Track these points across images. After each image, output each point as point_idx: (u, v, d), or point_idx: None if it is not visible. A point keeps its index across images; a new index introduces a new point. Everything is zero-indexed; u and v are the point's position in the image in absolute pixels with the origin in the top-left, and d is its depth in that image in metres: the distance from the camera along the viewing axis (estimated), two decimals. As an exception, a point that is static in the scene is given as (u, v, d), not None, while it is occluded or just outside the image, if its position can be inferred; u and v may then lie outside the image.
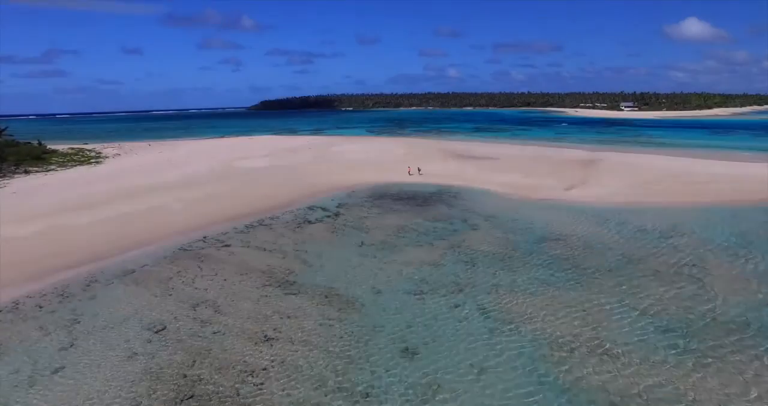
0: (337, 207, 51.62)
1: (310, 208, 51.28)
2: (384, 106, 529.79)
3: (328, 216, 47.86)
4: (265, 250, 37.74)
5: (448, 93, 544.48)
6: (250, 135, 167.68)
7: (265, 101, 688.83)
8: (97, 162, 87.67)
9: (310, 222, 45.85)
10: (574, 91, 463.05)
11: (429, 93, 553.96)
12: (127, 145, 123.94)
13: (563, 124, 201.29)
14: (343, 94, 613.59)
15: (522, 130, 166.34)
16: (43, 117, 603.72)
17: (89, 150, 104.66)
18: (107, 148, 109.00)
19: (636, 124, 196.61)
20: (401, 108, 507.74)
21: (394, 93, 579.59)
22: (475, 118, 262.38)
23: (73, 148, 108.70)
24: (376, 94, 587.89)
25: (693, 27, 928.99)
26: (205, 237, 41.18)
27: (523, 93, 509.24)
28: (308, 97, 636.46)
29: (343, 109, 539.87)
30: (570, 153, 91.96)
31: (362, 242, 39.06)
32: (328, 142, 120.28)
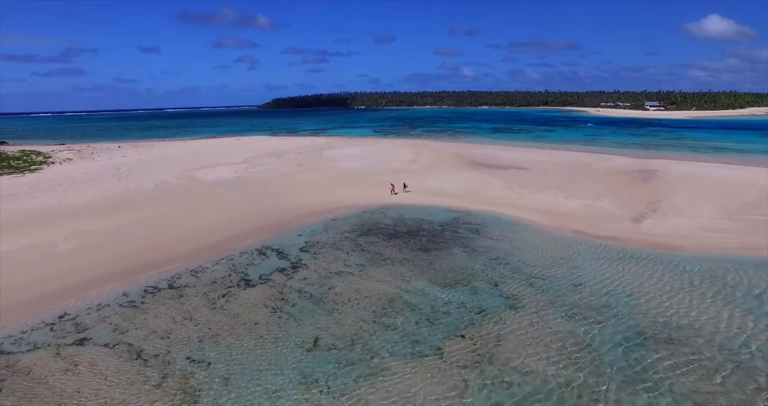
0: (301, 250, 34.67)
1: (262, 250, 34.44)
2: (397, 105, 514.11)
3: (282, 270, 30.84)
4: (138, 357, 20.83)
5: (463, 91, 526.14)
6: (244, 135, 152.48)
7: (277, 99, 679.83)
8: (34, 169, 71.58)
9: (248, 282, 28.89)
10: (593, 90, 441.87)
11: (443, 92, 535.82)
12: (95, 146, 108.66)
13: (589, 124, 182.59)
14: (356, 93, 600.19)
15: (546, 132, 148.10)
16: (59, 115, 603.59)
17: (39, 154, 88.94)
18: (66, 151, 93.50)
19: (670, 124, 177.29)
20: (415, 107, 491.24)
21: (408, 91, 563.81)
22: (492, 118, 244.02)
23: (24, 151, 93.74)
24: (390, 93, 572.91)
25: (715, 24, 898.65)
26: (62, 316, 24.52)
27: (540, 92, 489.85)
28: (321, 95, 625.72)
29: (356, 107, 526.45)
30: (615, 161, 74.07)
31: (316, 341, 22.02)
32: (325, 145, 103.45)
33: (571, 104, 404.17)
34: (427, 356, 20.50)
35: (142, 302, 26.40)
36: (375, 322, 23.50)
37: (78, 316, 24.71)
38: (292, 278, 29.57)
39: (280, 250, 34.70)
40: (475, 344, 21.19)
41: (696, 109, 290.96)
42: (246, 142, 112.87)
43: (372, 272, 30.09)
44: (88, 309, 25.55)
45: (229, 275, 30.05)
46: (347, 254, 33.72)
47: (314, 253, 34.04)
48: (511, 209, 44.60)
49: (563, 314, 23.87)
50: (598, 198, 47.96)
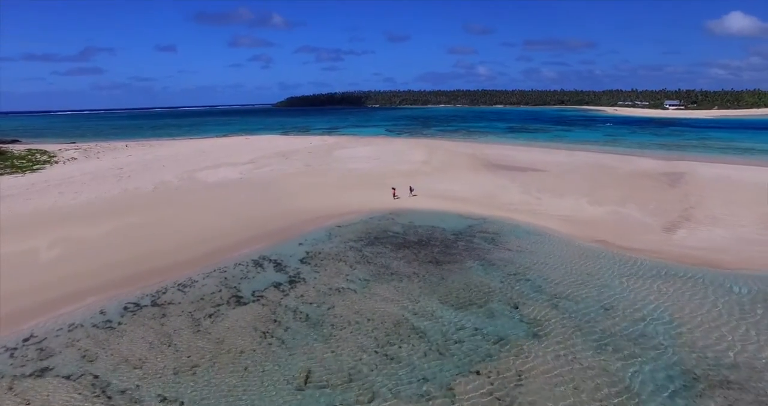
0: (301, 261, 31.75)
1: (259, 262, 31.59)
2: (411, 104, 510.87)
3: (278, 285, 27.93)
4: (102, 393, 18.10)
5: (478, 90, 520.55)
6: (255, 134, 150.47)
7: (292, 98, 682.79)
8: (37, 169, 69.70)
9: (239, 300, 26.02)
10: (611, 89, 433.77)
11: (458, 90, 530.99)
12: (103, 145, 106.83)
13: (608, 124, 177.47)
14: (370, 91, 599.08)
15: (563, 131, 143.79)
16: (78, 113, 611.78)
17: (44, 153, 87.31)
18: (72, 150, 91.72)
19: (692, 124, 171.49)
20: (429, 105, 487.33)
21: (423, 90, 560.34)
22: (507, 117, 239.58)
23: (31, 150, 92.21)
24: (404, 92, 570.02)
25: (737, 21, 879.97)
26: (27, 339, 21.91)
27: (556, 91, 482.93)
28: (334, 93, 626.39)
29: (370, 106, 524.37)
30: (639, 163, 70.21)
31: (308, 376, 19.01)
32: (335, 145, 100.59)
33: (587, 103, 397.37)
34: (435, 397, 17.43)
35: (119, 323, 23.65)
36: (377, 352, 20.46)
37: (45, 339, 22.03)
38: (288, 295, 26.62)
39: (279, 261, 31.82)
40: (492, 384, 18.06)
41: (718, 108, 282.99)
42: (255, 142, 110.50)
43: (377, 289, 27.04)
44: (58, 330, 22.87)
45: (220, 291, 27.21)
46: (351, 266, 30.70)
47: (315, 265, 31.08)
48: (530, 215, 41.24)
49: (594, 345, 20.62)
50: (623, 204, 44.38)
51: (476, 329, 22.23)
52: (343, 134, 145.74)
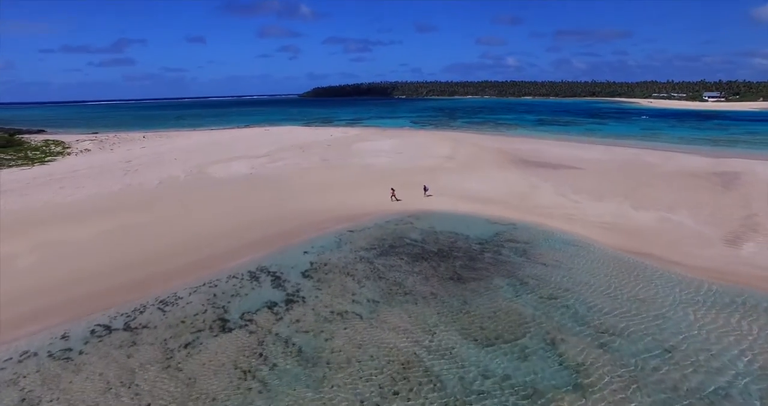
0: (303, 274, 27.78)
1: (255, 274, 27.76)
2: (438, 95, 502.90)
3: (272, 306, 24.01)
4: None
5: (506, 81, 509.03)
6: (277, 125, 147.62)
7: (318, 88, 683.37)
8: (48, 160, 67.61)
9: (224, 325, 22.19)
10: (644, 80, 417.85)
11: (485, 81, 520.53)
12: (122, 136, 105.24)
13: (643, 116, 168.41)
14: (397, 82, 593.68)
15: (596, 125, 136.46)
16: (110, 103, 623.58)
17: (60, 144, 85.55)
18: (87, 141, 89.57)
19: (736, 117, 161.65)
20: (456, 96, 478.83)
21: (450, 81, 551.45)
22: (536, 109, 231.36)
23: (48, 141, 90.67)
24: (431, 82, 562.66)
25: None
26: (-33, 372, 18.32)
27: (587, 82, 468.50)
28: (361, 84, 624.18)
29: (397, 96, 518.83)
30: (684, 160, 64.05)
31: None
32: (356, 137, 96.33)
33: (620, 95, 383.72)
34: None
35: (81, 352, 20.00)
36: (379, 407, 16.21)
37: (-14, 374, 18.39)
38: (281, 319, 22.59)
39: (278, 274, 27.86)
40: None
41: (763, 100, 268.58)
42: (274, 133, 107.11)
43: (386, 315, 22.79)
44: (5, 361, 19.32)
45: (205, 312, 23.35)
46: (359, 282, 26.50)
47: (318, 280, 26.98)
48: (566, 222, 36.33)
49: None
50: (674, 209, 39.04)
51: (504, 376, 17.83)
52: (366, 126, 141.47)
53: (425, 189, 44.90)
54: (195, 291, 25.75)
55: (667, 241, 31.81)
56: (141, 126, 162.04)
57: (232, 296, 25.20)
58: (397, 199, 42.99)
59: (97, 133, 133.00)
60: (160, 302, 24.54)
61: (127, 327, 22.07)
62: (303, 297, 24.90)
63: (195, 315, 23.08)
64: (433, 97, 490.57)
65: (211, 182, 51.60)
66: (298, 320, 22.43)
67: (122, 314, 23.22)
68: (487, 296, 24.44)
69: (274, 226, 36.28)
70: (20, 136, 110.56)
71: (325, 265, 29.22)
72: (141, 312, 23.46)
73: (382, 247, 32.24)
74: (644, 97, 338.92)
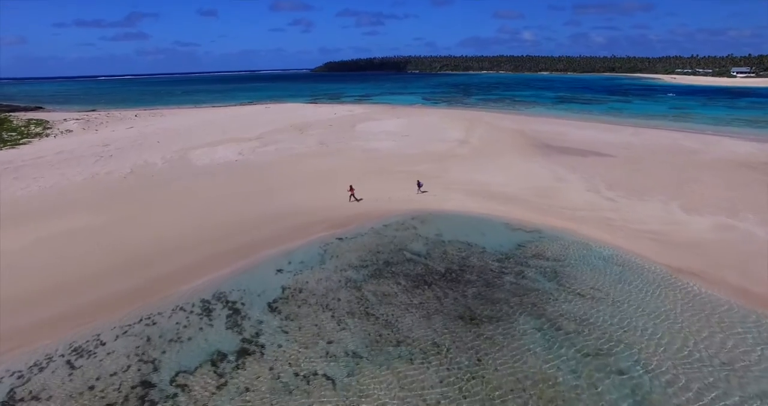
0: (269, 307, 21.71)
1: (209, 305, 21.69)
2: (452, 70, 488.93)
3: (217, 362, 17.91)
4: None
5: (522, 56, 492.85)
6: (281, 101, 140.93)
7: (330, 63, 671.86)
8: (22, 143, 62.13)
9: (144, 396, 15.89)
10: (667, 55, 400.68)
11: (501, 56, 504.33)
12: (114, 114, 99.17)
13: (670, 94, 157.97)
14: (410, 57, 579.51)
15: (620, 103, 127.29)
16: (121, 78, 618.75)
17: (41, 124, 79.78)
18: (73, 121, 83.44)
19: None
20: (470, 71, 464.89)
21: (464, 56, 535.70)
22: (554, 85, 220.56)
23: (31, 120, 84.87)
24: (445, 57, 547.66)
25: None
26: None
27: (606, 57, 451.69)
28: (374, 59, 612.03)
29: (410, 71, 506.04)
30: (728, 146, 56.51)
31: None
32: (362, 116, 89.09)
33: (640, 71, 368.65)
34: None
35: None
36: None
37: None
38: (225, 385, 16.38)
39: (238, 304, 21.66)
40: None
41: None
42: (274, 111, 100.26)
43: (369, 381, 16.49)
44: None
45: (126, 369, 17.27)
46: (339, 323, 20.15)
47: (287, 316, 20.68)
48: (604, 229, 29.52)
49: None
50: (735, 213, 31.98)
51: None
52: (375, 103, 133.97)
53: (419, 185, 37.96)
54: (125, 332, 19.61)
55: (740, 259, 24.94)
56: (143, 103, 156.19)
57: (171, 341, 19.00)
58: (357, 200, 36.07)
59: (94, 110, 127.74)
60: (73, 350, 18.47)
61: (7, 401, 15.95)
62: (262, 346, 18.63)
63: (111, 376, 16.95)
64: (447, 72, 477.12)
65: (189, 172, 45.27)
66: (247, 389, 16.19)
67: (11, 374, 17.11)
68: (509, 351, 17.95)
69: (248, 231, 29.97)
70: (11, 114, 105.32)
71: (300, 291, 22.87)
72: (40, 369, 17.41)
73: (375, 263, 25.79)
74: (667, 73, 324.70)
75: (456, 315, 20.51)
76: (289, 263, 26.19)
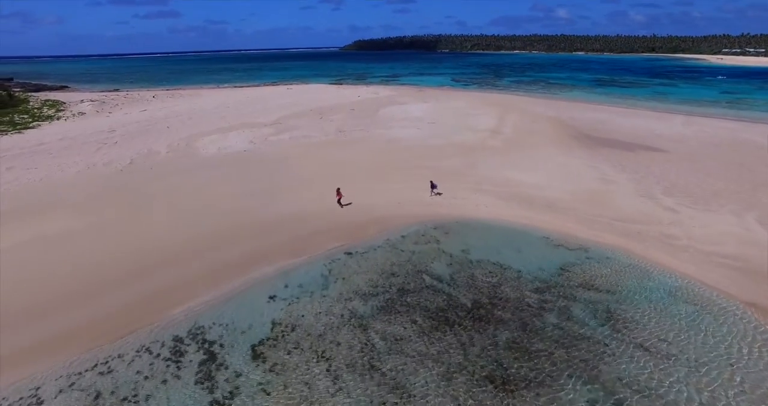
0: (253, 351, 17.62)
1: (181, 344, 17.67)
2: (483, 49, 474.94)
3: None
4: None
5: (556, 35, 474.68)
6: (306, 81, 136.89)
7: (359, 41, 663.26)
8: (32, 127, 59.71)
9: None
10: (713, 34, 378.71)
11: (534, 35, 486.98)
12: (132, 95, 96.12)
13: (720, 77, 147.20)
14: (440, 35, 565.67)
15: (665, 87, 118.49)
16: (152, 56, 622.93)
17: (54, 105, 77.15)
18: (87, 103, 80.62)
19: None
20: (502, 51, 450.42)
21: (495, 35, 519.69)
22: (591, 67, 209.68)
23: (47, 101, 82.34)
24: (476, 36, 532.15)
25: None
26: None
27: (645, 36, 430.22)
28: (404, 37, 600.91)
29: (440, 50, 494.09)
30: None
31: None
32: (386, 99, 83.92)
33: (683, 51, 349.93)
34: None
35: None
36: None
37: None
38: None
39: (215, 347, 17.80)
40: None
41: None
42: (296, 93, 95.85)
43: None
44: None
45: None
46: (335, 379, 15.98)
47: (272, 368, 16.63)
48: (666, 250, 24.41)
49: None
50: (826, 230, 26.27)
51: None
52: (402, 84, 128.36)
53: (432, 187, 33.01)
54: (71, 385, 15.86)
55: None
56: (168, 82, 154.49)
57: (125, 401, 15.07)
58: (342, 205, 31.26)
59: (118, 90, 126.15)
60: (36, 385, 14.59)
61: None
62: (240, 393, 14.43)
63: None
64: (478, 51, 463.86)
65: (191, 164, 41.40)
66: None
67: None
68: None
69: (243, 242, 25.87)
70: (33, 94, 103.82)
71: (293, 329, 18.65)
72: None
73: (388, 291, 21.36)
74: (712, 53, 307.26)
75: (484, 375, 16.00)
76: (286, 286, 21.98)
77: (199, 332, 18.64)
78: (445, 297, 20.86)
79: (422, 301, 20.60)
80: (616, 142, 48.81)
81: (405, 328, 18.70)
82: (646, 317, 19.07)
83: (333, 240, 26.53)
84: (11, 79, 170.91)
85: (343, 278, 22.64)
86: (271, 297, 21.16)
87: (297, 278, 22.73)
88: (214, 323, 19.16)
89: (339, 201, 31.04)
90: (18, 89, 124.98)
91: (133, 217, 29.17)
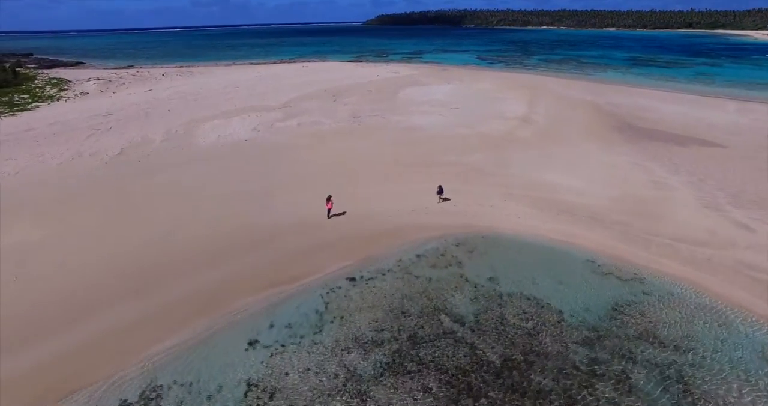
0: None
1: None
2: (510, 25, 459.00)
3: None
4: None
5: (586, 10, 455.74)
6: (324, 58, 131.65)
7: (382, 16, 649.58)
8: (29, 108, 56.32)
9: None
10: (757, 7, 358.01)
11: (563, 10, 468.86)
12: (141, 73, 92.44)
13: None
14: (465, 10, 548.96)
15: (709, 67, 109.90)
16: (173, 30, 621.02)
17: (58, 84, 73.70)
18: (92, 82, 77.04)
19: None
20: (529, 27, 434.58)
21: (523, 10, 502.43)
22: (624, 44, 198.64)
23: (52, 80, 79.17)
24: (503, 11, 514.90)
25: None
26: None
27: (682, 11, 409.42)
28: (428, 12, 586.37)
29: (465, 26, 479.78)
30: None
31: None
32: (407, 80, 78.48)
33: (724, 26, 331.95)
34: None
35: None
36: None
37: None
38: None
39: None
40: None
41: None
42: (312, 71, 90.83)
43: None
44: None
45: None
46: None
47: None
48: (748, 287, 19.58)
49: None
50: None
51: None
52: (425, 62, 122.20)
53: (440, 191, 28.20)
54: None
55: None
56: (183, 58, 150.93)
57: None
58: (332, 215, 26.53)
59: (131, 66, 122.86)
60: None
61: None
62: None
63: None
64: (505, 26, 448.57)
65: (185, 156, 37.27)
66: None
67: None
68: None
69: (226, 262, 21.70)
70: (43, 70, 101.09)
71: (272, 396, 14.72)
72: None
73: (396, 338, 17.08)
74: (757, 29, 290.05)
75: None
76: (271, 326, 17.79)
77: (154, 395, 14.59)
78: (467, 350, 16.41)
79: (438, 356, 16.20)
80: (663, 135, 43.17)
81: (415, 400, 14.33)
82: (733, 392, 14.36)
83: (334, 259, 22.19)
84: (30, 54, 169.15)
85: (342, 317, 18.32)
86: (251, 343, 16.99)
87: (286, 314, 18.50)
88: (175, 382, 15.10)
89: (328, 211, 26.39)
90: (32, 65, 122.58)
91: (98, 230, 25.07)
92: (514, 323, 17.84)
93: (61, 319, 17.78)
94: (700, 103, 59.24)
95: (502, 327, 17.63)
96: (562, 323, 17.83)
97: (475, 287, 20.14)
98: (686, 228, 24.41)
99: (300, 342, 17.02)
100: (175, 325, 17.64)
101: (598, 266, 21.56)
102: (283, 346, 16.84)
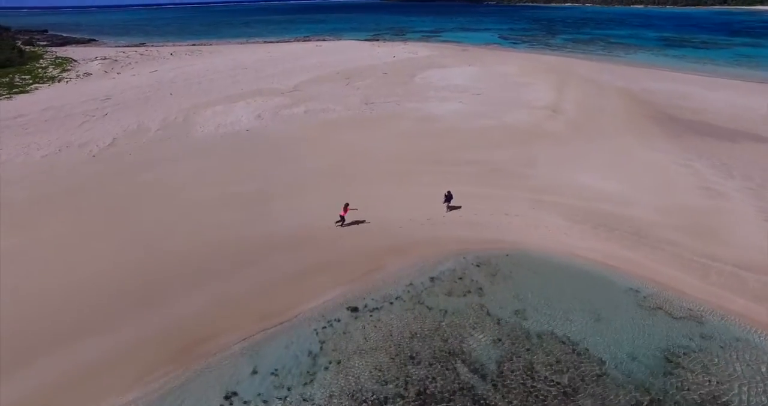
0: None
1: None
2: (533, 1, 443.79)
3: None
4: None
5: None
6: (340, 36, 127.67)
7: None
8: (28, 90, 53.91)
9: None
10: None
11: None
12: (150, 51, 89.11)
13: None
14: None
15: (749, 47, 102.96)
16: (198, 6, 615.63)
17: (62, 64, 71.06)
18: (95, 62, 74.48)
19: None
20: (552, 4, 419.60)
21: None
22: (654, 22, 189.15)
23: (56, 59, 76.77)
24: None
25: None
26: None
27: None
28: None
29: (486, 3, 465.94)
30: None
31: None
32: (425, 61, 74.16)
33: (763, 3, 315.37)
34: None
35: None
36: None
37: None
38: None
39: None
40: None
41: None
42: (325, 51, 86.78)
43: None
44: None
45: None
46: None
47: None
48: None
49: None
50: None
51: None
52: (445, 41, 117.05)
53: (447, 198, 24.58)
54: None
55: None
56: (196, 35, 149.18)
57: None
58: (344, 224, 23.08)
59: (143, 44, 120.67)
60: None
61: None
62: None
63: None
64: (527, 3, 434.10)
65: (179, 148, 34.27)
66: None
67: None
68: None
69: (206, 287, 18.71)
70: (53, 48, 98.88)
71: None
72: None
73: (402, 396, 14.31)
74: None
75: None
76: (254, 372, 14.83)
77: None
78: (489, 418, 13.18)
79: (454, 425, 13.01)
80: (709, 128, 38.86)
81: None
82: None
83: (336, 281, 19.10)
84: (45, 31, 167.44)
85: (339, 362, 15.25)
86: (228, 396, 14.03)
87: (273, 355, 15.53)
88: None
89: (342, 218, 23.08)
90: (44, 43, 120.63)
91: (64, 245, 22.06)
92: (545, 377, 14.60)
93: (2, 360, 15.00)
94: (749, 89, 54.20)
95: (531, 382, 14.42)
96: (605, 378, 14.55)
97: (498, 324, 16.89)
98: (750, 250, 20.69)
99: (286, 397, 14.03)
100: (142, 369, 14.76)
101: (644, 297, 18.12)
102: (265, 402, 13.83)
